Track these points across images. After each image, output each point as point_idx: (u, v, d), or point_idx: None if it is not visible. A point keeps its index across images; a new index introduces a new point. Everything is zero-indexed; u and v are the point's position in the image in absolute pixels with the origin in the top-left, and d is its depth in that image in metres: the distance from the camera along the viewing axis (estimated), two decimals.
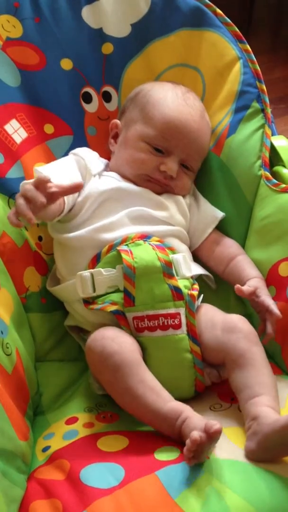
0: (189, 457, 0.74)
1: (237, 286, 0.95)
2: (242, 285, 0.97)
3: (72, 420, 0.91)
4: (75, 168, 1.05)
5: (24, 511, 0.74)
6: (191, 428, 0.77)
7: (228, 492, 0.72)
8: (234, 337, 0.91)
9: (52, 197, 0.88)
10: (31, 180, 0.88)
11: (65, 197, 0.97)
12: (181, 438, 0.80)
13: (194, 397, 0.95)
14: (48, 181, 0.86)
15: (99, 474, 0.76)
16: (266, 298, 0.97)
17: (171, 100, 1.06)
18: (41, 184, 0.86)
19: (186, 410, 0.82)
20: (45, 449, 0.86)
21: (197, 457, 0.75)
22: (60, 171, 1.00)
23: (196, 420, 0.79)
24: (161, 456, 0.79)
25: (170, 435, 0.82)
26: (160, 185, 1.06)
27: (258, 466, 0.76)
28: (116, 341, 0.88)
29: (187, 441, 0.74)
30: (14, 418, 0.80)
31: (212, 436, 0.74)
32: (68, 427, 0.89)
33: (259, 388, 0.85)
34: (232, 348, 0.90)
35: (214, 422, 0.75)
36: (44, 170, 0.99)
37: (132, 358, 0.86)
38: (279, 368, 0.98)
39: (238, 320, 0.94)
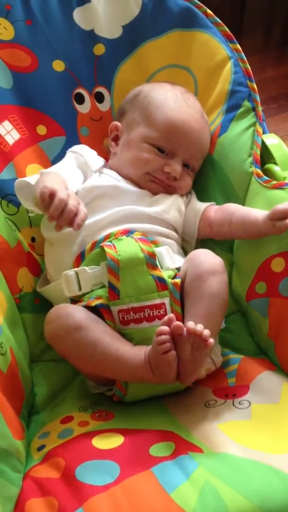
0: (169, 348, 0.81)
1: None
2: (253, 228, 0.99)
3: (67, 419, 0.91)
4: (74, 167, 1.06)
5: (19, 509, 0.73)
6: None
7: (223, 486, 0.72)
8: (191, 264, 0.94)
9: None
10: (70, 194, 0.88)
11: None
12: (150, 362, 0.85)
13: (190, 395, 0.95)
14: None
15: (95, 471, 0.76)
16: None
17: (173, 101, 1.07)
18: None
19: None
20: (40, 448, 0.86)
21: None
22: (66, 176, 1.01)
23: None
24: (156, 452, 0.80)
25: (144, 373, 0.85)
26: (162, 186, 1.07)
27: (253, 459, 0.76)
28: (68, 307, 0.92)
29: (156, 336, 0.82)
30: (8, 417, 0.80)
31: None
32: (63, 426, 0.89)
33: (190, 318, 0.90)
34: (188, 274, 0.94)
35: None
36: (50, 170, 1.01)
37: (87, 315, 0.90)
38: (272, 364, 0.99)
39: (200, 252, 0.97)
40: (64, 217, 0.86)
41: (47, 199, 0.86)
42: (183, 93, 1.10)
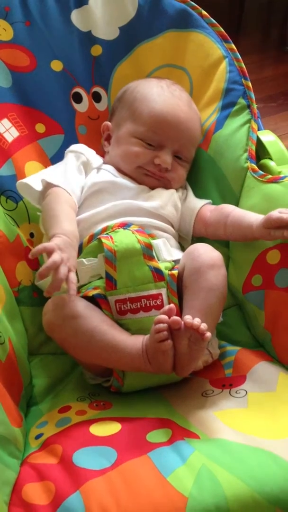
0: (166, 337, 0.83)
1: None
2: (247, 232, 0.99)
3: (64, 409, 0.91)
4: (76, 168, 1.07)
5: (17, 494, 0.74)
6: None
7: (220, 470, 0.73)
8: (190, 258, 0.95)
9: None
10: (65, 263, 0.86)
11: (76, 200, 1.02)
12: (147, 351, 0.85)
13: (187, 385, 0.96)
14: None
15: (92, 457, 0.77)
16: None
17: (157, 94, 1.09)
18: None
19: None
20: (38, 437, 0.86)
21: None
22: (67, 178, 1.03)
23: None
24: (153, 438, 0.80)
25: (141, 362, 0.86)
26: (156, 178, 1.08)
27: (249, 444, 0.77)
28: (66, 297, 0.91)
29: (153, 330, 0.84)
30: (6, 404, 0.81)
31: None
32: (61, 415, 0.90)
33: (188, 311, 0.90)
34: (186, 268, 0.94)
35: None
36: (52, 179, 1.01)
37: (85, 304, 0.91)
38: (269, 355, 0.99)
39: (199, 245, 0.97)
40: (53, 282, 0.84)
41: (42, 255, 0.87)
42: (169, 85, 1.12)
